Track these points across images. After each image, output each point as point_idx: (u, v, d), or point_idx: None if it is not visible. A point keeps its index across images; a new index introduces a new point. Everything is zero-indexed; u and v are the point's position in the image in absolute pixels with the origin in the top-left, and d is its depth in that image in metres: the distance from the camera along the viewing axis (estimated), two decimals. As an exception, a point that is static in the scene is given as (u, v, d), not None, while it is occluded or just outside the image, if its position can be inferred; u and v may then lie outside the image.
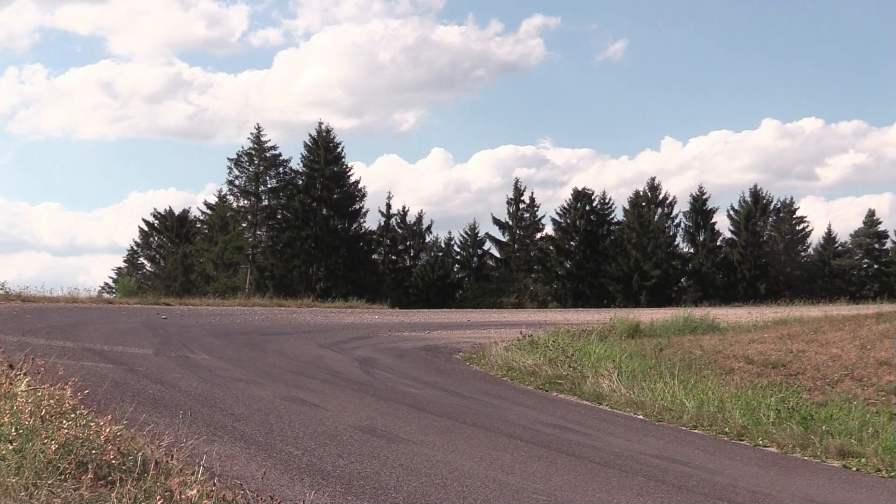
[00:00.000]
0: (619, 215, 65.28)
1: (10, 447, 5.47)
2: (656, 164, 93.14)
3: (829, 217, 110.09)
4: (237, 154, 56.25)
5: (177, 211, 66.31)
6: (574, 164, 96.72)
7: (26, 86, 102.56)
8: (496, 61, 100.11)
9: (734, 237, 64.35)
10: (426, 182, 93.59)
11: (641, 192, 65.08)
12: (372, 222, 62.52)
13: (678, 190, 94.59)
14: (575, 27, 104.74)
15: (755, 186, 66.26)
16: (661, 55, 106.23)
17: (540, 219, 64.91)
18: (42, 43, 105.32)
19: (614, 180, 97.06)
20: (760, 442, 10.56)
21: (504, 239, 64.53)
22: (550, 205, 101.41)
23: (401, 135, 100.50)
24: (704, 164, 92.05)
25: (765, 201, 65.32)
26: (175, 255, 61.50)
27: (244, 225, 57.05)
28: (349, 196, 57.92)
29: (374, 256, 61.63)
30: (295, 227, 55.99)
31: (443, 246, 64.66)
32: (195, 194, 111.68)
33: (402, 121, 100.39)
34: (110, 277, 65.67)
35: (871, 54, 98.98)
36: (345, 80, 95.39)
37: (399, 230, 63.54)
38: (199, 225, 63.84)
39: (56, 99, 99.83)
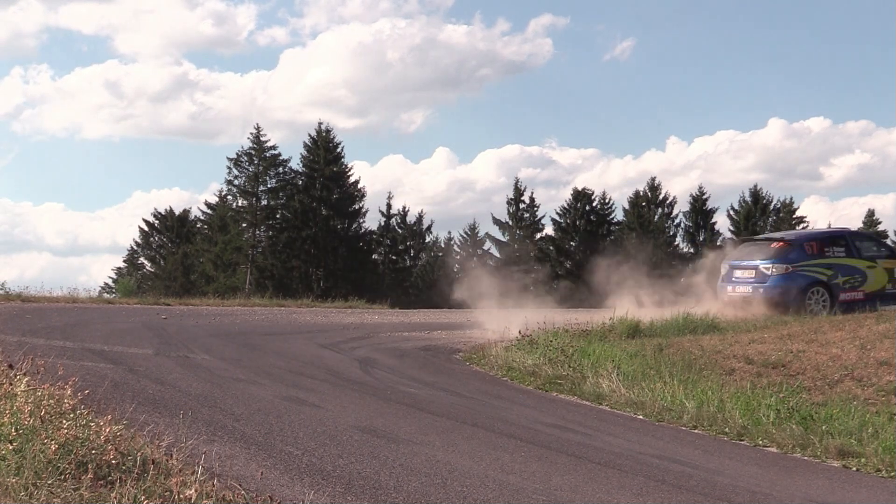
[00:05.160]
0: (619, 215, 65.34)
1: (10, 447, 5.47)
2: (661, 163, 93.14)
3: (833, 217, 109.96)
4: (237, 154, 56.38)
5: (179, 211, 66.40)
6: (579, 164, 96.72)
7: (31, 85, 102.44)
8: (503, 61, 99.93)
9: (734, 237, 64.44)
10: (430, 182, 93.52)
11: (641, 192, 65.15)
12: (373, 222, 62.61)
13: (683, 190, 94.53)
14: (583, 27, 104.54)
15: (755, 186, 66.40)
16: (668, 54, 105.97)
17: (540, 219, 64.99)
18: (49, 42, 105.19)
19: (618, 180, 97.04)
20: (760, 442, 10.57)
21: (504, 239, 64.55)
22: (554, 204, 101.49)
23: (405, 134, 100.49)
24: (709, 163, 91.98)
25: (765, 201, 65.38)
26: (175, 255, 61.54)
27: (244, 225, 57.09)
28: (349, 196, 57.94)
29: (374, 256, 61.62)
30: (295, 227, 56.01)
31: (442, 246, 64.73)
32: (199, 194, 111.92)
33: (408, 120, 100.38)
34: (110, 277, 65.72)
35: (879, 52, 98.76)
36: (350, 80, 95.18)
37: (399, 230, 63.55)
38: (199, 225, 63.87)
39: (61, 99, 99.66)
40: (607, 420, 11.66)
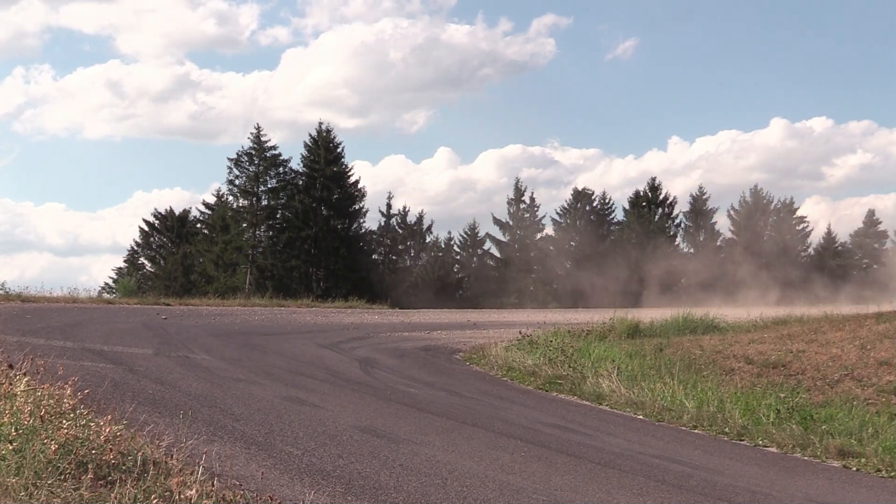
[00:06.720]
0: (619, 215, 65.31)
1: (10, 447, 5.47)
2: (662, 163, 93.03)
3: (834, 217, 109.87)
4: (237, 154, 56.26)
5: (179, 211, 66.36)
6: (581, 164, 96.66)
7: (32, 85, 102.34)
8: (505, 61, 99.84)
9: (734, 237, 64.36)
10: (432, 181, 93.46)
11: (642, 192, 65.11)
12: (373, 222, 62.65)
13: (684, 189, 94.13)
14: (586, 27, 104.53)
15: (755, 186, 66.36)
16: (670, 54, 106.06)
17: (540, 219, 64.97)
18: (50, 42, 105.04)
19: (619, 180, 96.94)
20: (760, 442, 10.57)
21: (504, 239, 64.54)
22: (556, 204, 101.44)
23: (407, 134, 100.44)
24: (711, 163, 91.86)
25: (765, 201, 65.34)
26: (175, 255, 61.49)
27: (244, 225, 57.01)
28: (349, 196, 57.89)
29: (374, 256, 61.62)
30: (295, 227, 55.98)
31: (443, 246, 64.69)
32: (200, 194, 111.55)
33: (409, 120, 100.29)
34: (110, 277, 65.64)
35: (881, 52, 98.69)
36: (352, 80, 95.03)
37: (399, 230, 63.54)
38: (199, 225, 63.81)
39: (62, 99, 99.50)
40: (607, 420, 11.66)
